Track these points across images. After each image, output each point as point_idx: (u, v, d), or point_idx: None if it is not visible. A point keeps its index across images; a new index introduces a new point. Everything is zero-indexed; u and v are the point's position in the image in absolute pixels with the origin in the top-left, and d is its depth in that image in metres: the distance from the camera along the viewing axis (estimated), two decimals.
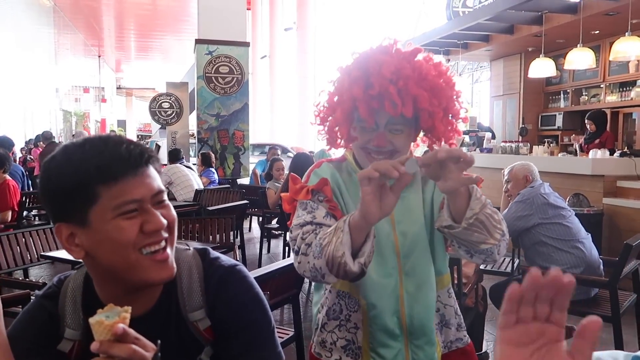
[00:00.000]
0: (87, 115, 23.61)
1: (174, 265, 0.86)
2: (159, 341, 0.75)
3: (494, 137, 7.66)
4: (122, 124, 28.49)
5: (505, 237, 1.08)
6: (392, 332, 1.15)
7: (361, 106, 1.07)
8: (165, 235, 0.84)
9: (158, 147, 8.42)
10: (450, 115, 1.14)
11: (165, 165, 6.15)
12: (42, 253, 2.80)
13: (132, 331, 0.71)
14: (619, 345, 2.44)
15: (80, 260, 0.86)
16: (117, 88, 27.88)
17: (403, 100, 1.05)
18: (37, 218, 6.13)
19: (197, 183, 5.79)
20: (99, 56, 20.19)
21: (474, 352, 1.30)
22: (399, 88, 1.05)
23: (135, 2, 13.49)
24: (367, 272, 1.04)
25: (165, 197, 0.87)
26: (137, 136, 24.64)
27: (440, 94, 1.09)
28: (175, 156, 6.22)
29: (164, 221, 0.83)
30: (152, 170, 0.84)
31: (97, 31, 16.71)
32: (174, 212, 0.87)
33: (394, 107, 1.05)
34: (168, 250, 0.85)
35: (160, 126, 9.48)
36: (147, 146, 0.86)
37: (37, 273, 4.66)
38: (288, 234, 1.15)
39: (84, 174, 0.79)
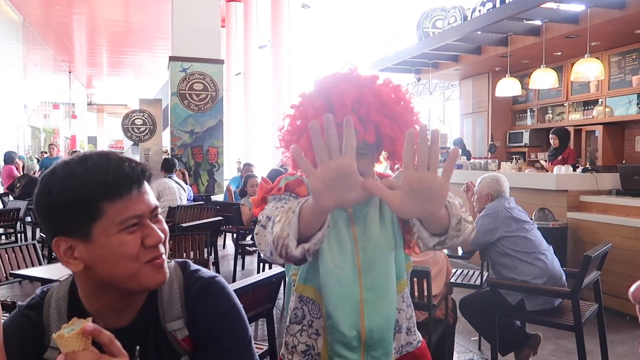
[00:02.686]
0: (56, 131, 23.10)
1: (167, 270, 0.90)
2: (137, 347, 0.78)
3: (465, 154, 7.85)
4: (92, 140, 27.96)
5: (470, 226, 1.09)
6: (349, 344, 1.17)
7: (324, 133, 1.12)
8: (162, 248, 0.89)
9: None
10: None
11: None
12: (12, 271, 2.75)
13: (106, 332, 0.74)
14: (581, 354, 2.54)
15: (54, 278, 0.88)
16: (88, 104, 27.44)
17: (365, 127, 1.10)
18: (2, 237, 5.99)
19: (182, 200, 5.77)
20: (70, 72, 19.92)
21: (427, 354, 1.32)
22: (361, 116, 1.10)
23: (108, 19, 13.41)
24: (326, 283, 1.06)
25: (159, 212, 0.92)
26: None
27: (400, 119, 1.14)
28: (169, 167, 5.96)
29: (162, 235, 0.88)
30: (148, 186, 0.89)
31: (68, 47, 16.51)
32: (165, 225, 0.92)
33: (357, 134, 1.07)
34: (164, 256, 0.90)
35: (132, 143, 9.38)
36: (144, 164, 0.90)
37: (3, 293, 4.53)
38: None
39: (89, 190, 0.82)
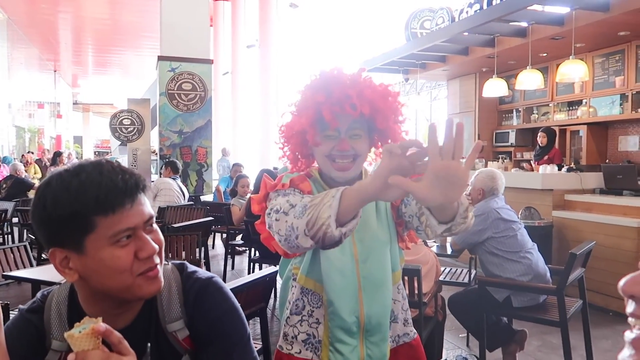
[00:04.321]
0: (41, 131, 22.82)
1: (162, 279, 0.91)
2: (149, 344, 0.80)
3: None
4: (78, 140, 27.64)
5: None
6: (350, 329, 1.24)
7: (325, 110, 1.18)
8: (157, 260, 0.90)
9: (118, 163, 8.25)
10: (399, 122, 1.27)
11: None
12: (3, 273, 2.74)
13: (116, 332, 0.76)
14: (566, 349, 2.60)
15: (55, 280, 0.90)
16: (74, 103, 27.12)
17: (361, 102, 1.18)
18: None
19: (179, 201, 5.78)
20: (55, 71, 19.66)
21: (420, 346, 1.40)
22: (357, 92, 1.18)
23: (94, 17, 13.27)
24: (328, 272, 1.14)
25: (154, 221, 0.91)
26: (95, 152, 23.96)
27: (389, 100, 1.23)
28: (175, 169, 6.04)
29: (156, 246, 0.88)
30: (144, 197, 0.89)
31: (53, 45, 16.31)
32: (161, 235, 0.92)
33: (354, 108, 1.17)
34: (158, 266, 0.90)
35: (120, 143, 9.32)
36: (139, 174, 0.89)
37: None
38: (266, 217, 1.16)
39: (82, 205, 0.82)
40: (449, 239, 3.26)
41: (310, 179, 1.29)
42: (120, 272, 0.85)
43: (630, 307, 0.55)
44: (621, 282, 0.56)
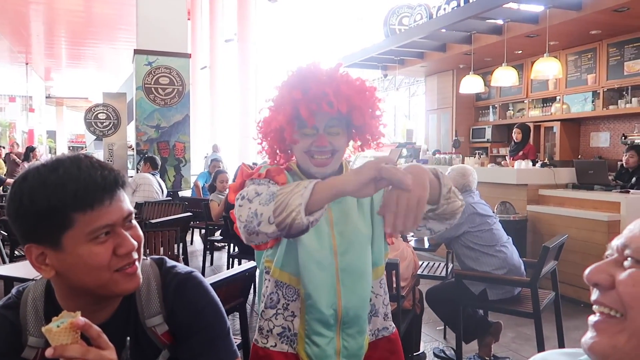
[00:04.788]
0: (13, 125, 22.21)
1: (141, 276, 0.91)
2: (128, 338, 0.80)
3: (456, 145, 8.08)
4: (52, 134, 27.00)
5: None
6: (327, 322, 1.25)
7: (302, 108, 1.19)
8: (135, 255, 0.89)
9: (97, 159, 8.11)
10: (376, 117, 1.29)
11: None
12: None
13: (95, 326, 0.76)
14: (540, 340, 2.67)
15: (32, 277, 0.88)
16: (47, 97, 26.42)
17: (338, 99, 1.18)
18: None
19: (157, 197, 5.72)
20: (27, 63, 19.11)
21: (398, 339, 1.41)
22: (334, 89, 1.18)
23: (67, 9, 12.93)
24: (305, 265, 1.16)
25: (133, 217, 0.91)
26: (69, 147, 23.44)
27: (366, 95, 1.24)
28: (155, 164, 6.00)
29: (135, 243, 0.88)
30: (123, 193, 0.88)
31: (25, 37, 15.86)
32: (140, 231, 0.92)
33: (331, 105, 1.17)
34: (136, 263, 0.90)
35: (95, 137, 9.15)
36: (118, 170, 0.88)
37: None
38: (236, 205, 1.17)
39: (60, 201, 0.81)
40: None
41: (289, 172, 1.30)
42: (98, 269, 0.84)
43: (594, 294, 0.59)
44: (586, 271, 0.59)
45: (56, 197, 0.80)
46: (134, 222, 0.91)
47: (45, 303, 0.92)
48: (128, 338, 0.81)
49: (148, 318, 0.94)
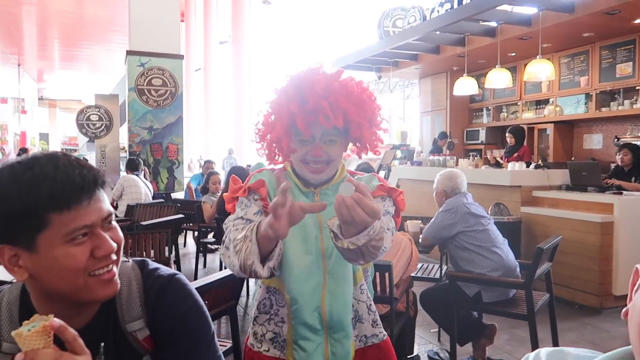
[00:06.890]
0: (4, 127, 22.04)
1: (118, 282, 0.87)
2: (102, 344, 0.77)
3: (450, 147, 8.07)
4: (44, 137, 26.81)
5: (380, 254, 1.13)
6: (313, 326, 1.24)
7: (298, 120, 1.18)
8: (114, 257, 0.85)
9: (85, 160, 8.06)
10: (374, 125, 1.28)
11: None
12: None
13: (71, 330, 0.72)
14: (534, 341, 2.66)
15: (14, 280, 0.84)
16: (39, 99, 26.25)
17: (334, 113, 1.17)
18: None
19: (148, 198, 5.69)
20: (19, 65, 19.00)
21: (390, 348, 1.38)
22: (331, 102, 1.17)
23: (60, 10, 12.87)
24: (291, 270, 1.17)
25: (113, 218, 0.87)
26: (62, 149, 23.30)
27: (365, 106, 1.23)
28: (134, 166, 5.94)
29: (114, 245, 0.84)
30: (103, 193, 0.84)
31: (17, 38, 15.76)
32: (120, 232, 0.88)
33: (327, 119, 1.17)
34: (114, 268, 0.86)
35: (88, 139, 9.08)
36: (98, 169, 0.84)
37: None
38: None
39: (34, 201, 0.76)
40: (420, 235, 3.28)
41: (285, 174, 1.31)
42: (73, 272, 0.80)
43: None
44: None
45: (30, 197, 0.76)
46: (114, 223, 0.87)
47: (20, 307, 0.88)
48: (102, 344, 0.77)
49: (129, 322, 0.91)
